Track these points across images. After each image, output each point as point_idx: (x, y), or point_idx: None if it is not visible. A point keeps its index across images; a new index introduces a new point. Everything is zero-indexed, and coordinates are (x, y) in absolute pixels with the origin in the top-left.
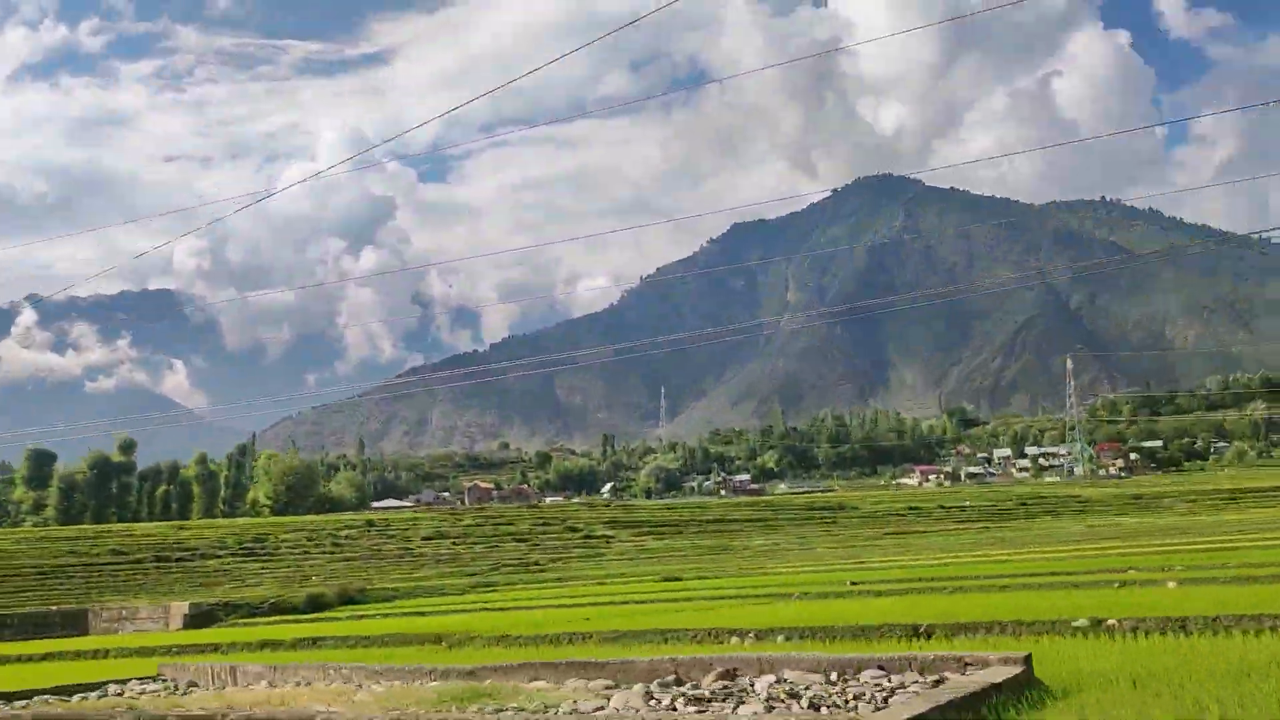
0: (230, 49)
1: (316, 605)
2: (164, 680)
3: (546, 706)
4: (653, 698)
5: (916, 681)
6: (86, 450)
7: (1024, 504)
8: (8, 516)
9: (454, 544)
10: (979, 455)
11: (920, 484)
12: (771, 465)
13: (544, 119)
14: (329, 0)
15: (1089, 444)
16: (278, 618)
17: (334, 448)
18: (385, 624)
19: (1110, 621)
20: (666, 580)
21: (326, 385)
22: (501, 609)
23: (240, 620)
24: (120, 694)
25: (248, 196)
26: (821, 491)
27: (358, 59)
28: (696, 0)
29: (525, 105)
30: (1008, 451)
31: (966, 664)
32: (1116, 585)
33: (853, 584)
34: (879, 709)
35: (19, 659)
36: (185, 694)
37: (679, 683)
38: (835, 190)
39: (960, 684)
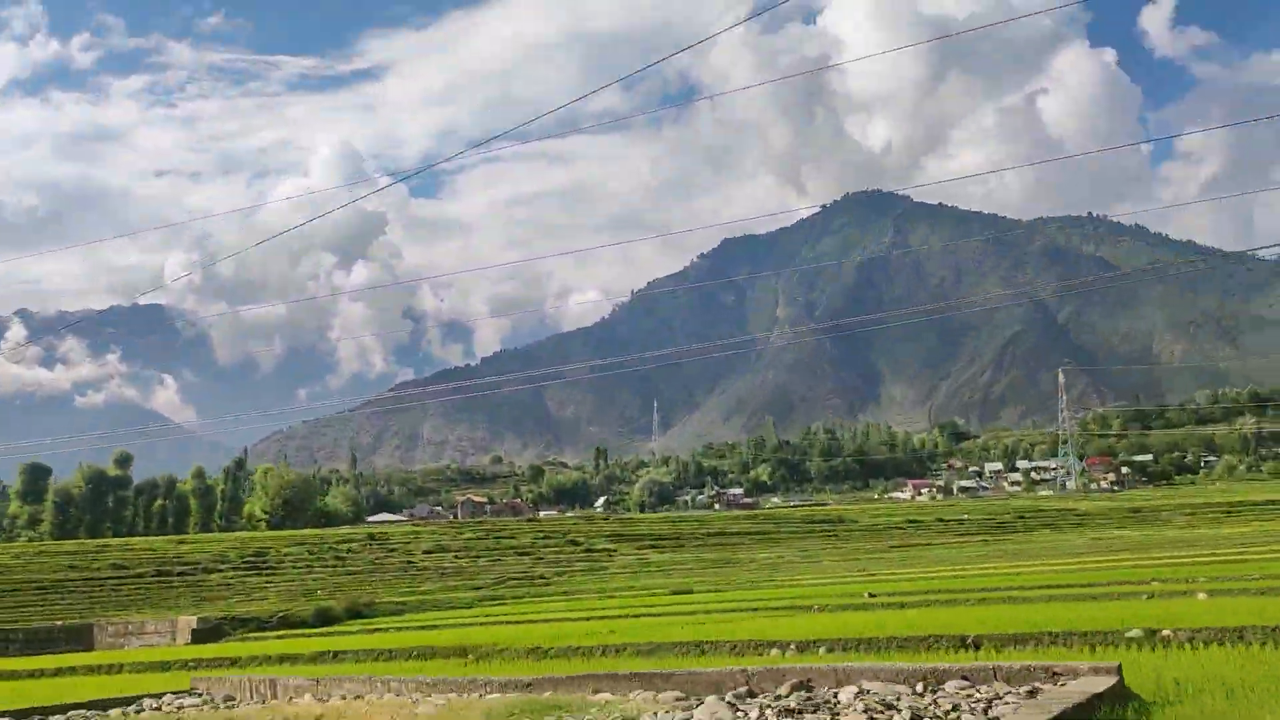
0: (222, 65)
1: (325, 619)
2: (199, 694)
3: (625, 719)
4: (738, 710)
5: (1009, 692)
6: (76, 465)
7: (1022, 517)
8: (3, 531)
9: (456, 557)
10: (970, 469)
11: (913, 497)
12: (764, 478)
13: (536, 134)
14: (320, 16)
15: (1079, 458)
16: (287, 631)
17: (325, 462)
18: (402, 637)
19: (1165, 632)
20: (676, 593)
21: (318, 399)
22: (515, 622)
23: (250, 634)
24: (158, 708)
25: (235, 213)
26: (814, 505)
27: (349, 75)
28: (688, 17)
29: (518, 121)
30: (999, 465)
31: (1056, 674)
32: (1145, 597)
33: (870, 595)
34: None
35: (30, 674)
36: (229, 708)
37: (751, 694)
38: (824, 206)
39: (1060, 695)
